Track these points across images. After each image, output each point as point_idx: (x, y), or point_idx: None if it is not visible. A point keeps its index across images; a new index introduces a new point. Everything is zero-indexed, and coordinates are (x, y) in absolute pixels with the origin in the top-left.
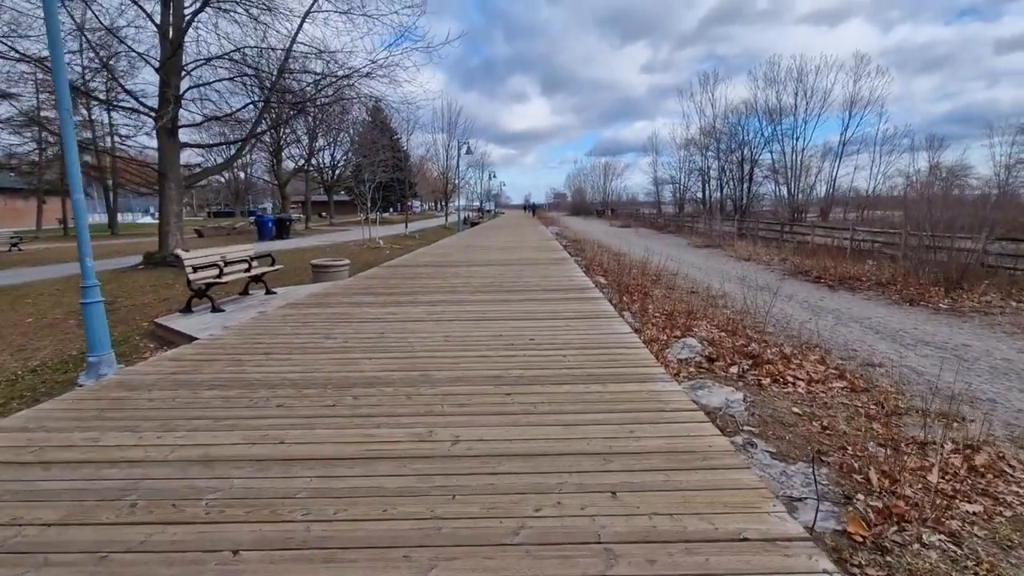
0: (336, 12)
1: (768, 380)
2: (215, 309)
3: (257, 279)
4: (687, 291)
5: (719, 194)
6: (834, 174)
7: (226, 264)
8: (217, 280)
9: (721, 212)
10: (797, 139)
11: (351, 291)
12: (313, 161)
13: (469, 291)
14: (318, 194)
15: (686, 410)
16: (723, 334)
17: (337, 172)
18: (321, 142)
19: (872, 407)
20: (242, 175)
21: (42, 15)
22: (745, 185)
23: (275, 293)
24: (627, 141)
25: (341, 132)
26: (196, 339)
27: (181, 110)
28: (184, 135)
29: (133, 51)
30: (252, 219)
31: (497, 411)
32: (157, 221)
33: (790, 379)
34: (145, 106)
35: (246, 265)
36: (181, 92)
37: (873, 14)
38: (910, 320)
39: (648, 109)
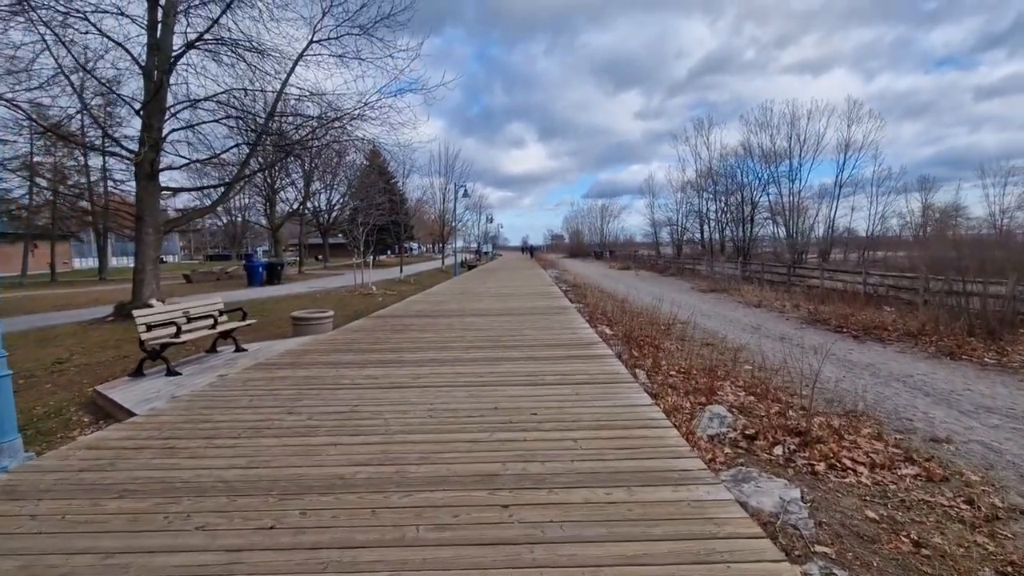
0: (330, 55)
1: (822, 465)
2: (170, 372)
3: (226, 335)
4: (701, 343)
5: (719, 236)
6: (832, 216)
7: (189, 320)
8: (174, 340)
9: (723, 254)
10: (793, 181)
11: (331, 347)
12: (309, 204)
13: (462, 347)
14: (314, 237)
15: (747, 536)
16: (751, 398)
17: (333, 215)
18: (317, 185)
19: (962, 506)
20: (240, 219)
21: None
22: (747, 227)
23: (245, 351)
24: (623, 183)
25: (337, 175)
26: (134, 415)
27: (170, 153)
28: (177, 178)
29: (113, 92)
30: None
31: (491, 538)
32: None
33: (848, 463)
34: (126, 148)
35: (211, 321)
36: (164, 134)
37: (855, 64)
38: (958, 378)
39: (642, 153)
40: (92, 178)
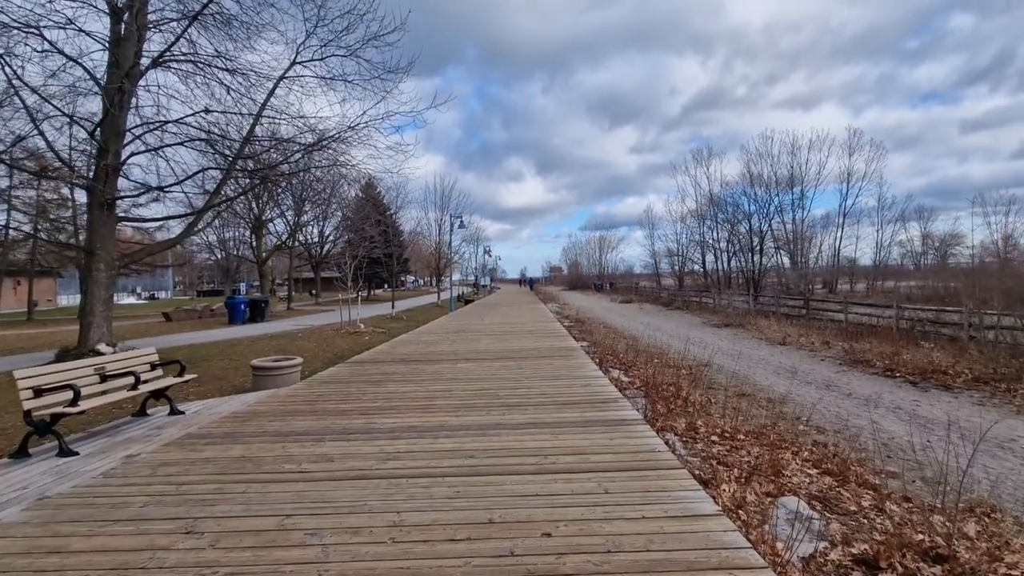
0: (314, 77)
1: None
2: (63, 452)
3: (159, 394)
4: (736, 392)
5: (727, 266)
6: (837, 245)
7: (103, 379)
8: (68, 410)
9: (729, 286)
10: (796, 210)
11: (288, 407)
12: (300, 236)
13: (451, 407)
14: (307, 271)
15: None
16: (828, 479)
17: (326, 248)
18: (307, 216)
19: None
20: (236, 252)
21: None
22: (756, 257)
23: (182, 413)
24: (620, 215)
25: (331, 206)
26: None
27: (133, 180)
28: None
29: (60, 111)
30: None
31: None
32: (142, 301)
33: None
34: (78, 174)
35: (132, 379)
36: (123, 159)
37: (843, 99)
38: None
39: (639, 186)
40: (72, 212)
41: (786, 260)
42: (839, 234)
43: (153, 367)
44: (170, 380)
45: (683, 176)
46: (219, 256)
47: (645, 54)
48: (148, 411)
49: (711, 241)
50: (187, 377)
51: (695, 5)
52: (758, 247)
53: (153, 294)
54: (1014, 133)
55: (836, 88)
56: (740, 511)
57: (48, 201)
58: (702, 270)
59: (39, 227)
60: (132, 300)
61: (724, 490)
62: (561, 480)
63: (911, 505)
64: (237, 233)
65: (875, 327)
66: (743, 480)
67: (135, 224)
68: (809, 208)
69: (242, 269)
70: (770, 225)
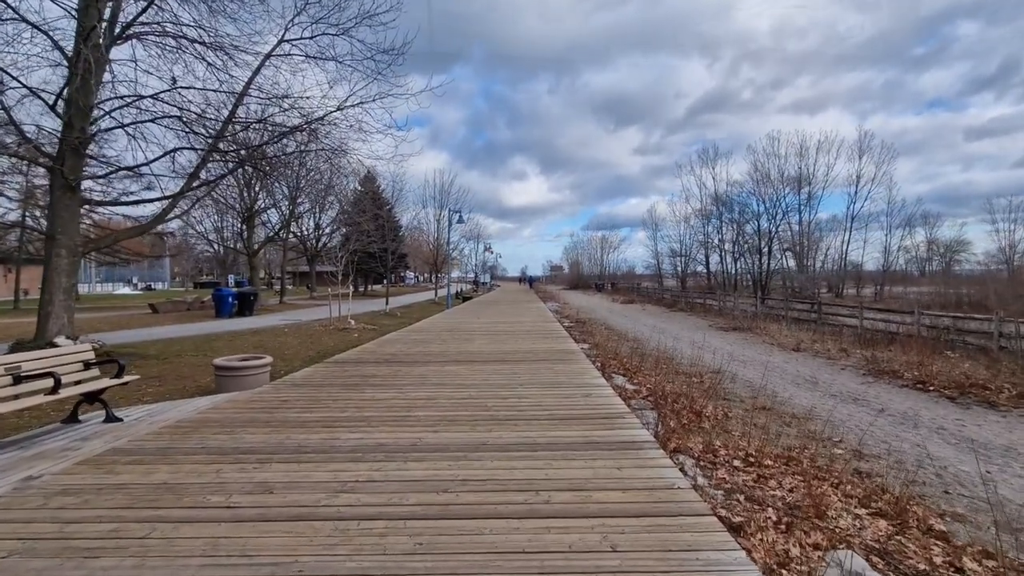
0: (303, 57)
1: None
2: None
3: (93, 397)
4: (754, 406)
5: (733, 268)
6: (845, 249)
7: (16, 380)
8: None
9: (734, 288)
10: (803, 212)
11: (243, 416)
12: (294, 228)
13: (431, 419)
14: (303, 264)
15: None
16: (882, 522)
17: (321, 241)
18: (303, 208)
19: None
20: (232, 244)
21: None
22: (764, 259)
23: (119, 420)
24: (622, 216)
25: (328, 197)
26: None
27: (101, 160)
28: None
29: (21, 84)
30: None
31: None
32: (137, 292)
33: None
34: (35, 145)
35: (51, 382)
36: (90, 135)
37: (848, 104)
38: None
39: (642, 187)
40: None
41: (792, 263)
42: (847, 237)
43: (87, 366)
44: (105, 382)
45: (688, 176)
46: (216, 247)
47: (651, 56)
48: (80, 417)
49: (716, 242)
50: (126, 379)
51: (702, 8)
52: (766, 249)
53: (149, 284)
54: (1018, 142)
55: (842, 93)
56: (784, 571)
57: (36, 187)
58: (706, 271)
59: (27, 214)
60: (127, 290)
61: (761, 540)
62: (556, 529)
63: (996, 564)
64: (231, 223)
65: (894, 334)
66: (783, 526)
67: (119, 212)
68: (817, 210)
69: (239, 260)
70: (777, 227)
